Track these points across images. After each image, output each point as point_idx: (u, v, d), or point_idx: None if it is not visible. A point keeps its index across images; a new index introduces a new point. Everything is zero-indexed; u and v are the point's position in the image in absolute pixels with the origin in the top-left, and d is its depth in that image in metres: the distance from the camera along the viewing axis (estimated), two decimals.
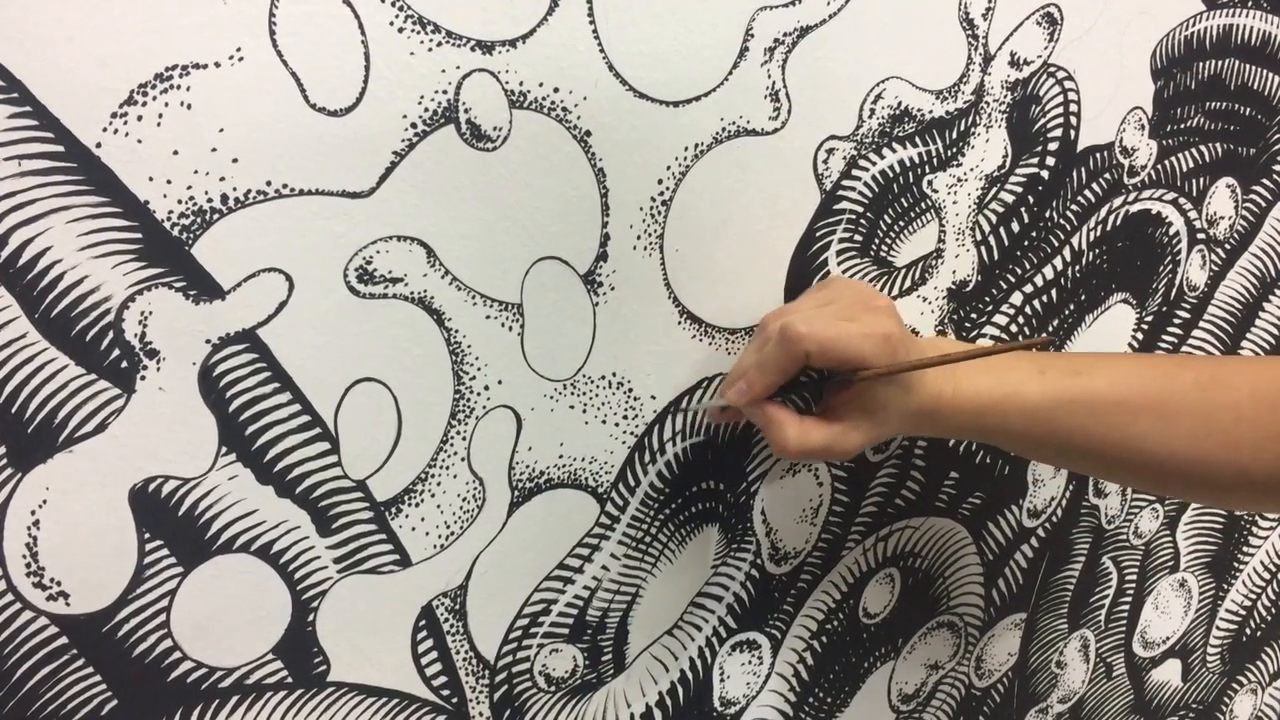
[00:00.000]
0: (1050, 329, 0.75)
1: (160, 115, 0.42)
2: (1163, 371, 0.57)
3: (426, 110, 0.47)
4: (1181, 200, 0.78)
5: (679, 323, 0.58)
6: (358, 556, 0.52)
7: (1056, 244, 0.72)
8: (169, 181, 0.43)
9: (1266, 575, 1.03)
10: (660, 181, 0.55)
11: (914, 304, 0.67)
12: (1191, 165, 0.77)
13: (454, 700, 0.59)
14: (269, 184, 0.45)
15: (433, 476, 0.53)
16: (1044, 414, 0.56)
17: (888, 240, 0.64)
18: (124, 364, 0.44)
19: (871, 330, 0.52)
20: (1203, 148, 0.77)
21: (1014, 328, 0.73)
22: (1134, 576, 0.93)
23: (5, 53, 0.38)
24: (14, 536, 0.44)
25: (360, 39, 0.45)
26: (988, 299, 0.71)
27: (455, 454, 0.54)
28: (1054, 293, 0.74)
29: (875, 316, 0.54)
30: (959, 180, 0.65)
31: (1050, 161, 0.69)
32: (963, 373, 0.57)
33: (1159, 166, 0.75)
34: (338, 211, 0.47)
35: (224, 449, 0.47)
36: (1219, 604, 1.01)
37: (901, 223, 0.64)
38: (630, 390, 0.58)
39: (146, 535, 0.47)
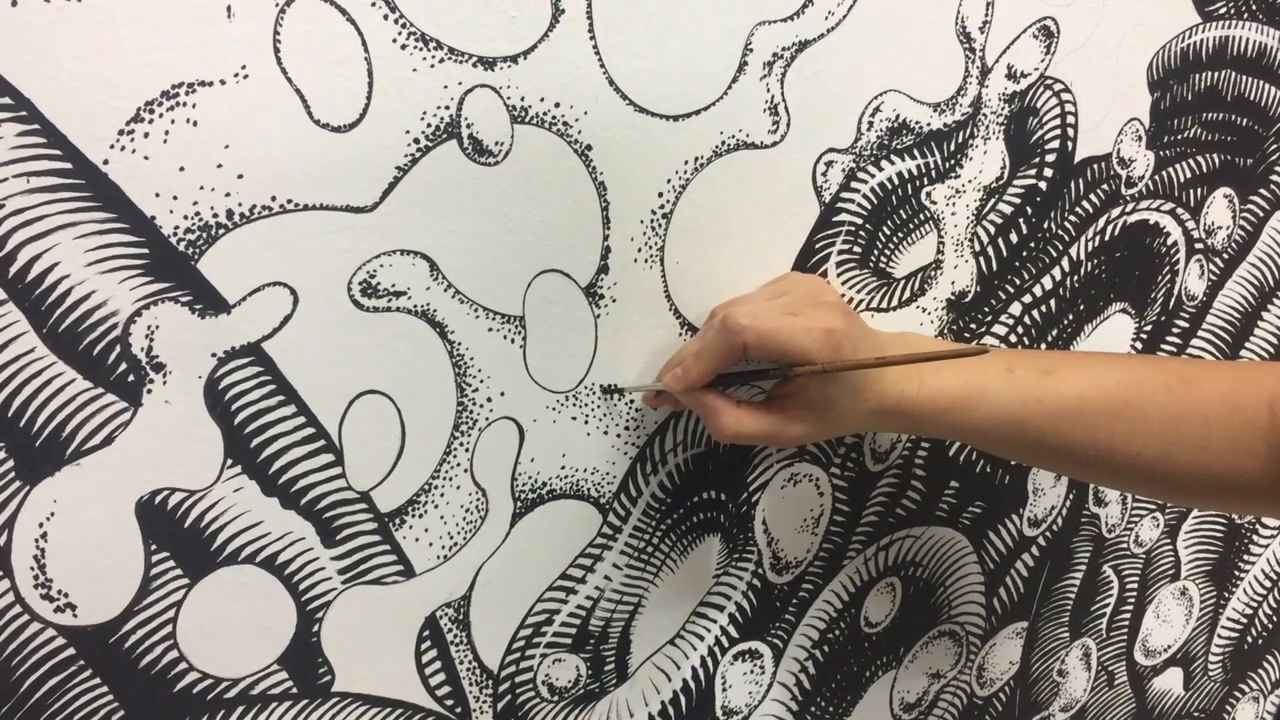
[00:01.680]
0: (1049, 339, 0.75)
1: (166, 132, 0.42)
2: (1132, 373, 0.56)
3: (429, 126, 0.48)
4: (1179, 210, 0.78)
5: (680, 334, 0.59)
6: (362, 567, 0.53)
7: (1055, 254, 0.73)
8: (175, 197, 0.43)
9: (1268, 583, 1.03)
10: (661, 195, 0.55)
11: (913, 315, 0.67)
12: (1189, 175, 0.77)
13: (458, 710, 0.59)
14: (274, 199, 0.45)
15: (436, 488, 0.54)
16: (1012, 413, 0.56)
17: (887, 252, 0.65)
18: (130, 377, 0.44)
19: (813, 325, 0.52)
20: (1200, 158, 0.77)
21: (1013, 338, 0.73)
22: (1135, 585, 0.93)
23: (14, 72, 0.39)
24: (22, 549, 0.44)
25: (363, 56, 0.45)
26: (987, 309, 0.71)
27: (458, 465, 0.54)
28: (1053, 303, 0.74)
29: (821, 311, 0.53)
30: (957, 192, 0.66)
31: (1048, 173, 0.70)
32: (929, 371, 0.56)
33: (1156, 177, 0.76)
34: (341, 226, 0.47)
35: (229, 461, 0.48)
36: (1220, 612, 1.01)
37: (900, 234, 0.65)
38: (632, 401, 0.59)
39: (153, 547, 0.47)
